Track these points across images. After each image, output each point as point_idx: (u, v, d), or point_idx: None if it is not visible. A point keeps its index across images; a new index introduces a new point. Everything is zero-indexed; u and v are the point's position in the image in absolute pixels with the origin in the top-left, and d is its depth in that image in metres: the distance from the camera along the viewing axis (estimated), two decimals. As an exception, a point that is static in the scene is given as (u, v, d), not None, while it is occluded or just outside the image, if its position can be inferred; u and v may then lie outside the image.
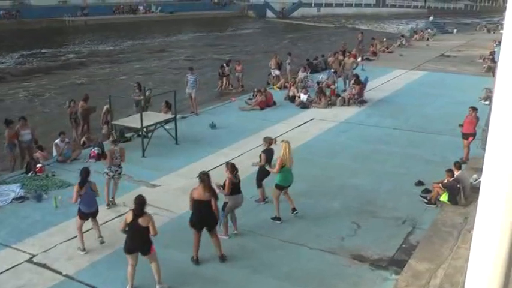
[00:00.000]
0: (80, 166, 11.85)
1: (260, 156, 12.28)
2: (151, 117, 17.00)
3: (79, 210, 10.22)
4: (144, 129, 16.24)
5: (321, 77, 25.99)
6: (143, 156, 15.66)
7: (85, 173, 10.37)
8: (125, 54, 42.14)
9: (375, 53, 36.28)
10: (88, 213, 10.29)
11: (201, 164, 14.63)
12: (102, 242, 10.48)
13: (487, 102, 20.39)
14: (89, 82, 30.41)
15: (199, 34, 56.23)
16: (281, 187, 11.66)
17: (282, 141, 11.85)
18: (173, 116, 17.37)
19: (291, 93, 23.04)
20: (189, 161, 15.22)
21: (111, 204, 12.18)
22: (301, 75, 25.42)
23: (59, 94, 27.00)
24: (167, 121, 17.24)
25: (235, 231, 11.06)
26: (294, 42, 51.43)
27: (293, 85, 23.87)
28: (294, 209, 11.89)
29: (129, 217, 8.72)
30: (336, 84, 24.62)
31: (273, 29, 64.09)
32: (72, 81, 30.96)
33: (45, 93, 27.80)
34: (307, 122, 19.79)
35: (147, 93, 18.84)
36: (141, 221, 8.65)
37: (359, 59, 32.04)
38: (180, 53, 42.94)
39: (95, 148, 15.55)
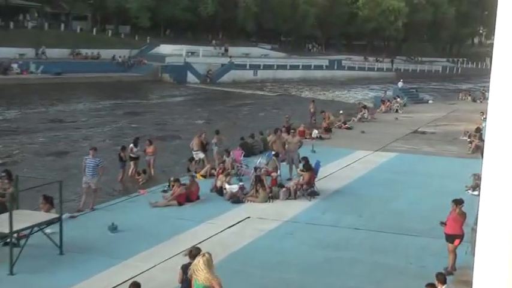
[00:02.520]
0: None
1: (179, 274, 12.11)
2: (25, 218, 16.48)
3: None
4: (15, 235, 15.73)
5: (259, 161, 26.17)
6: (10, 273, 14.96)
7: None
8: (16, 124, 41.71)
9: (328, 130, 37.08)
10: None
11: (95, 282, 14.23)
12: None
13: (476, 193, 20.79)
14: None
15: (115, 102, 56.18)
16: None
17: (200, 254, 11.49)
18: (57, 215, 16.98)
19: (219, 183, 23.06)
20: (79, 278, 14.70)
21: None
22: (227, 160, 25.55)
23: None
24: (49, 223, 16.79)
25: None
26: (230, 111, 52.28)
27: (222, 173, 23.91)
28: None
29: None
30: (278, 171, 24.87)
31: (203, 96, 65.15)
32: None
33: None
34: (241, 221, 19.74)
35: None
36: None
37: (307, 137, 32.68)
38: (90, 125, 42.97)
39: None
